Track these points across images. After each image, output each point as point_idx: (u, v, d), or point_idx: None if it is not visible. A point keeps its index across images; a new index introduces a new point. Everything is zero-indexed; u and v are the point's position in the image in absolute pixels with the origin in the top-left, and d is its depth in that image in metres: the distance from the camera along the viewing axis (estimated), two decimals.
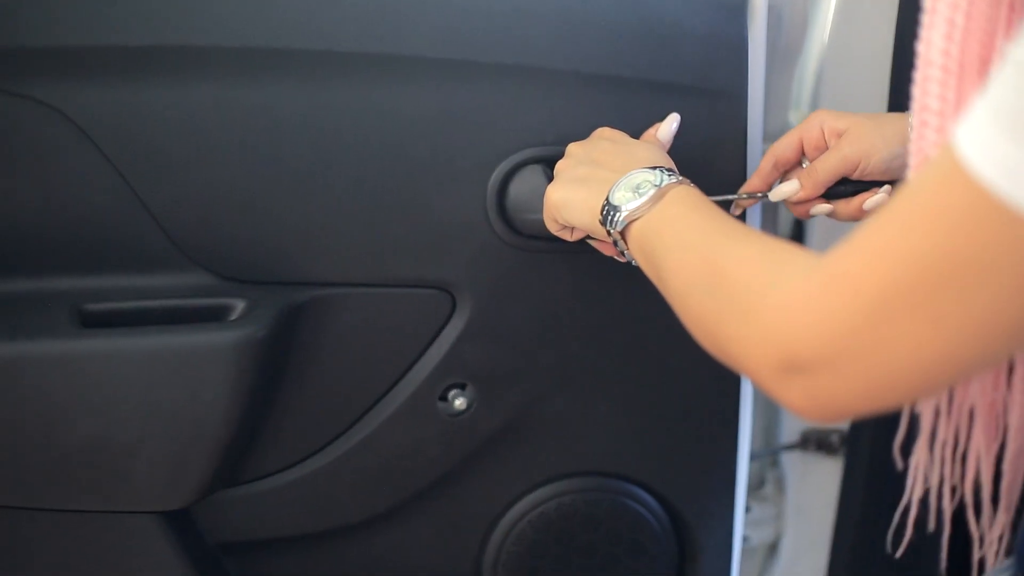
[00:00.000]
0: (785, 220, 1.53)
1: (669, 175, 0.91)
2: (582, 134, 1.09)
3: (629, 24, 1.11)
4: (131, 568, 1.16)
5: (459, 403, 1.19)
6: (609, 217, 0.91)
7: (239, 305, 1.12)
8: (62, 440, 1.08)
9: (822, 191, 1.05)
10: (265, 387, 1.13)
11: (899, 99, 1.34)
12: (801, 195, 1.05)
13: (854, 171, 1.03)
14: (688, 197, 0.88)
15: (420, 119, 1.10)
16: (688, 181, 0.91)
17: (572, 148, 1.04)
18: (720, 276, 0.75)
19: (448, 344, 1.17)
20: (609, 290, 1.17)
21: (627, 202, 0.90)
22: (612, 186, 0.92)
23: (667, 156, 1.00)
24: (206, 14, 1.06)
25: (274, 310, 1.10)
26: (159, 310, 1.11)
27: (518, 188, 1.10)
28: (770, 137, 1.42)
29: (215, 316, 1.12)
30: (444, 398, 1.19)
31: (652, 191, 0.89)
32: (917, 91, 0.67)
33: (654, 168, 0.92)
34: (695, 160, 1.05)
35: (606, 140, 1.03)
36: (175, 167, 1.09)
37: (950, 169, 0.57)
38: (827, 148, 1.06)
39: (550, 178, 1.08)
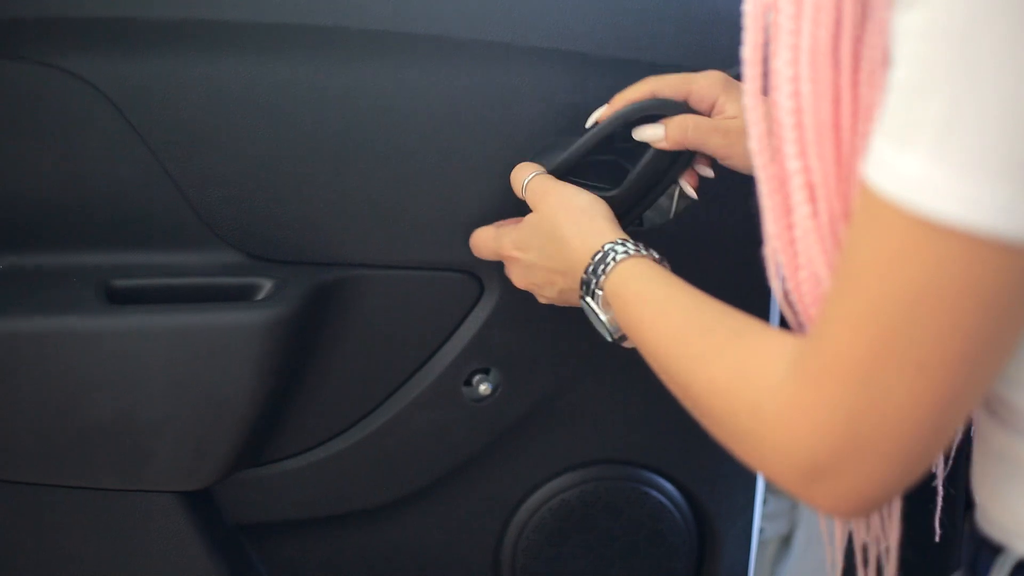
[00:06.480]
0: None
1: (583, 284, 0.89)
2: None
3: (666, 10, 1.11)
4: (151, 547, 1.15)
5: (484, 388, 1.19)
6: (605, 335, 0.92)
7: (267, 284, 1.11)
8: (86, 417, 1.07)
9: (681, 148, 0.99)
10: (290, 367, 1.12)
11: None
12: (662, 145, 0.99)
13: (722, 160, 0.99)
14: (617, 297, 0.86)
15: (452, 100, 1.09)
16: (602, 262, 0.88)
17: (510, 267, 1.04)
18: (703, 406, 0.71)
19: (475, 328, 1.16)
20: None
21: (596, 322, 0.90)
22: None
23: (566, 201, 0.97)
24: None
25: (301, 290, 1.10)
26: (186, 288, 1.11)
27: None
28: None
29: (242, 295, 1.11)
30: (469, 383, 1.19)
31: (593, 311, 0.89)
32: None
33: (583, 284, 0.90)
34: None
35: (532, 267, 1.00)
36: (205, 143, 1.08)
37: (876, 212, 0.56)
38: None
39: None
